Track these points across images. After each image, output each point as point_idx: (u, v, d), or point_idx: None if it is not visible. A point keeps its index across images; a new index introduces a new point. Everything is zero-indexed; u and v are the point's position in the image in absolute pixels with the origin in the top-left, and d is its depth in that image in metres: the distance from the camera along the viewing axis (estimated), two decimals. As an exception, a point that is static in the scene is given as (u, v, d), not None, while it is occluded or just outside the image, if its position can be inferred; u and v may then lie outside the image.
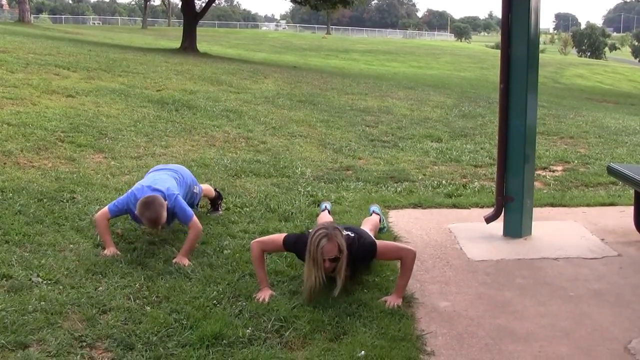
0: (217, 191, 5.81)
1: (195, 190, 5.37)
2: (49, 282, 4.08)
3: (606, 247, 5.26)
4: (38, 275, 4.13)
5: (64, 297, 3.88)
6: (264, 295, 4.07)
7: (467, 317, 3.97)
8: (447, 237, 5.51)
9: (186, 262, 4.51)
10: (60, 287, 4.03)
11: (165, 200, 4.63)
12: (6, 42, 16.01)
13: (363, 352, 3.45)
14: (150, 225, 4.60)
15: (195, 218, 4.78)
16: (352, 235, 4.23)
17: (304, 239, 4.10)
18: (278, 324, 3.73)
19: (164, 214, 4.56)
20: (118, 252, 4.62)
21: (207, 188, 5.70)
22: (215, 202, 5.79)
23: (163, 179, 4.92)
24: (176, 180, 5.04)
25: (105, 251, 4.62)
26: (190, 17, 26.82)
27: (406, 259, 4.16)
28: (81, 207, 5.54)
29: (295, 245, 4.21)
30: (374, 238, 4.49)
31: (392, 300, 4.08)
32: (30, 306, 3.72)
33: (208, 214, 5.70)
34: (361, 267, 4.38)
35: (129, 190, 4.85)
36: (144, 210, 4.50)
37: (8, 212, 5.20)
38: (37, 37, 21.59)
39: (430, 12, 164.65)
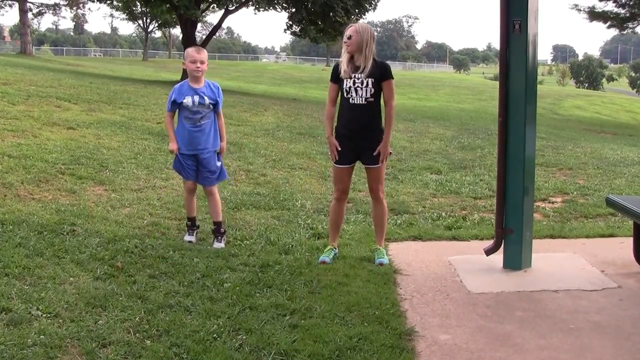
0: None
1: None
2: (49, 315, 4.06)
3: (606, 279, 5.25)
4: (38, 309, 4.11)
5: (64, 331, 3.86)
6: (331, 144, 5.46)
7: (467, 351, 3.96)
8: (447, 269, 5.50)
9: None
10: (60, 320, 4.01)
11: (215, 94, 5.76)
12: (8, 74, 16.12)
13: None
14: (193, 49, 5.72)
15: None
16: None
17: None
18: (279, 357, 3.71)
19: (205, 54, 5.70)
20: (177, 148, 5.73)
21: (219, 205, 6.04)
22: (218, 230, 5.88)
23: None
24: None
25: (169, 146, 5.86)
26: (191, 50, 27.00)
27: (391, 105, 5.35)
28: (81, 239, 5.55)
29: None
30: None
31: (383, 151, 5.36)
32: (29, 340, 3.70)
33: (209, 247, 5.71)
34: (381, 83, 5.34)
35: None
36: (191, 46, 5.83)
37: (8, 244, 5.19)
38: (38, 69, 21.75)
39: (430, 44, 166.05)
